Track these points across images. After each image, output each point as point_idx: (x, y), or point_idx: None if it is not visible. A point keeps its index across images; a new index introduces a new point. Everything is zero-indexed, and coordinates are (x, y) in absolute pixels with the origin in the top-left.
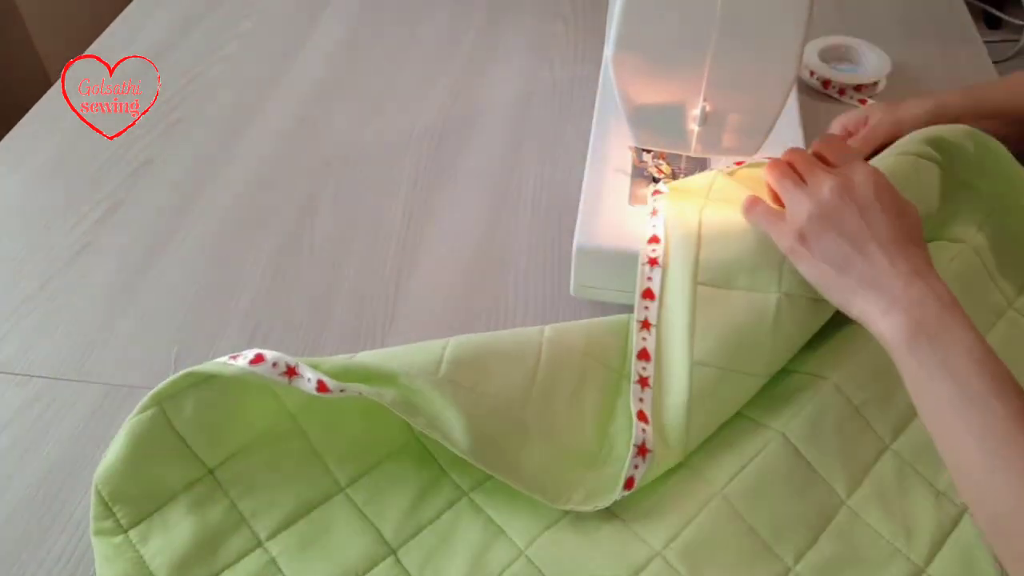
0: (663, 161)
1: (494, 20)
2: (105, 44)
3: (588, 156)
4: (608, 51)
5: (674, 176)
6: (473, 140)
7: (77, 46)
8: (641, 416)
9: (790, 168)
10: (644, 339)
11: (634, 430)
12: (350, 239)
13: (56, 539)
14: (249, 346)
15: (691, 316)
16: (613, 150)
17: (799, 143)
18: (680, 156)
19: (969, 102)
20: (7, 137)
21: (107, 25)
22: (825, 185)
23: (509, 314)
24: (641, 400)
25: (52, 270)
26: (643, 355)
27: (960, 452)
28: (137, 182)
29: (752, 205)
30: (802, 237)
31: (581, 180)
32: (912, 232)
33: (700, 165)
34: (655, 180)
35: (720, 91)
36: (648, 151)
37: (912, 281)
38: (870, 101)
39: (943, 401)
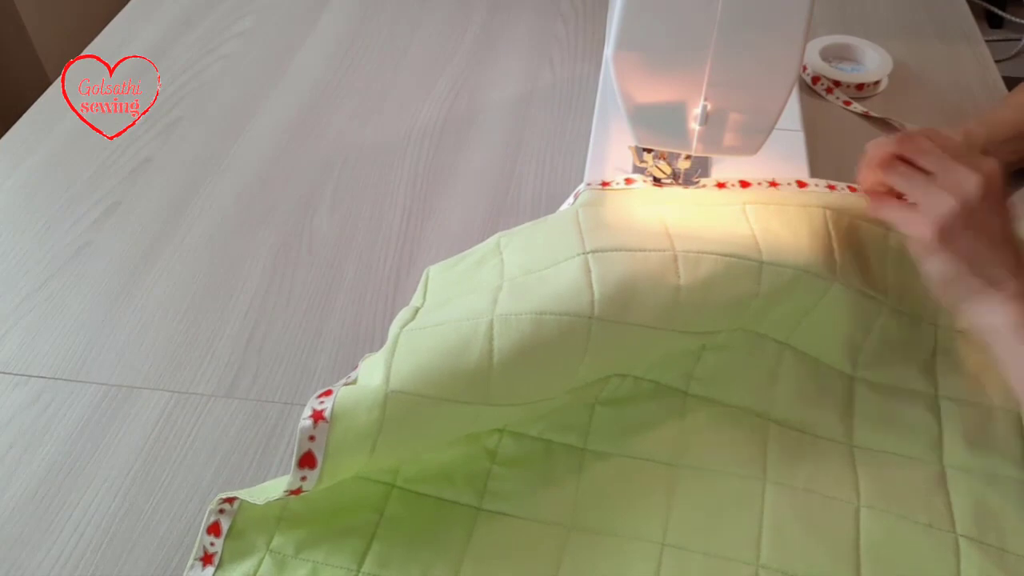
0: (663, 161)
1: (494, 19)
2: (105, 44)
3: (588, 156)
4: (608, 50)
5: (674, 176)
6: (473, 140)
7: (77, 46)
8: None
9: (906, 162)
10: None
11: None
12: (350, 239)
13: (55, 539)
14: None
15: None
16: (613, 150)
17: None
18: (680, 156)
19: (985, 130)
20: (6, 137)
21: (107, 25)
22: (967, 181)
23: None
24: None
25: (51, 270)
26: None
27: None
28: (136, 181)
29: (880, 201)
30: (941, 232)
31: (581, 180)
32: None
33: (701, 164)
34: (656, 180)
35: (721, 90)
36: (649, 151)
37: None
38: (860, 104)
39: None
